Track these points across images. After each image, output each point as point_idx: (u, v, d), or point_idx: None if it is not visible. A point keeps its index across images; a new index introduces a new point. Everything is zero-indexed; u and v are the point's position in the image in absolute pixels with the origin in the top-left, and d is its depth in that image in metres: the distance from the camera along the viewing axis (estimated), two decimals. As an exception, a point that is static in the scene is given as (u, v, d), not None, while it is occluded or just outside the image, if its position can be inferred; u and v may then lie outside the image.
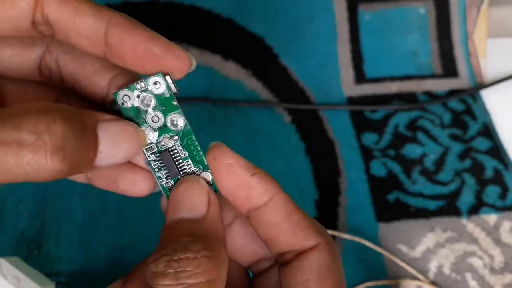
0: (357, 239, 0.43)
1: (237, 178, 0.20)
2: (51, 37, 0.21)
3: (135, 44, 0.19)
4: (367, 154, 0.49)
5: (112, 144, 0.19)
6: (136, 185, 0.22)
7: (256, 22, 0.54)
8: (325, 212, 0.45)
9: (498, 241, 0.44)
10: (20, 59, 0.21)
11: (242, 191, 0.20)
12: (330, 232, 0.43)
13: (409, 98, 0.53)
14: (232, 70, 0.53)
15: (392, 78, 0.54)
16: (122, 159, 0.19)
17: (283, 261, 0.21)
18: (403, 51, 0.55)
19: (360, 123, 0.51)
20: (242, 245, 0.22)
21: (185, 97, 0.50)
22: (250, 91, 0.53)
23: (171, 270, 0.17)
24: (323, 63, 0.54)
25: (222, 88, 0.52)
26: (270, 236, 0.20)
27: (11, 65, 0.21)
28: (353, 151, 0.49)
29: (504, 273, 0.42)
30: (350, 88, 0.54)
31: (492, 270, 0.42)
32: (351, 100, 0.53)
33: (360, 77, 0.54)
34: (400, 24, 0.55)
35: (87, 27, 0.19)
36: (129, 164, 0.22)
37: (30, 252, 0.41)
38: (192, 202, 0.20)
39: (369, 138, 0.50)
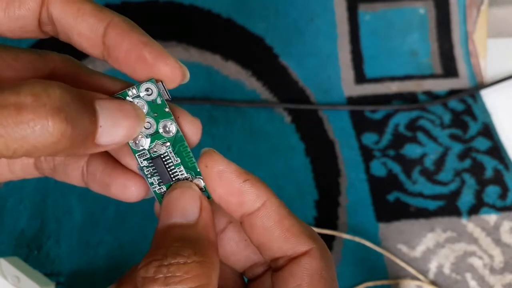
0: (357, 239, 0.43)
1: (229, 184, 0.20)
2: (54, 62, 0.21)
3: (129, 47, 0.19)
4: (367, 154, 0.49)
5: (112, 119, 0.19)
6: (127, 190, 0.22)
7: (256, 22, 0.54)
8: (325, 212, 0.45)
9: (498, 241, 0.44)
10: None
11: (234, 198, 0.20)
12: (330, 232, 0.43)
13: (409, 98, 0.53)
14: (232, 70, 0.53)
15: (392, 78, 0.54)
16: (123, 137, 0.19)
17: (275, 267, 0.21)
18: (403, 51, 0.55)
19: (360, 123, 0.51)
20: (236, 250, 0.22)
21: (185, 97, 0.50)
22: (250, 91, 0.53)
23: (161, 275, 0.17)
24: (323, 63, 0.54)
25: (222, 88, 0.52)
26: (262, 242, 0.20)
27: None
28: (353, 151, 0.49)
29: (504, 273, 0.42)
30: (350, 88, 0.54)
31: (492, 270, 0.42)
32: (351, 100, 0.53)
33: (360, 77, 0.54)
34: (400, 24, 0.55)
35: (88, 27, 0.19)
36: (122, 168, 0.22)
37: (30, 252, 0.41)
38: (185, 207, 0.20)
39: (369, 138, 0.50)
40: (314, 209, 0.45)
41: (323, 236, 0.43)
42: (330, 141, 0.50)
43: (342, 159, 0.49)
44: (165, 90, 0.20)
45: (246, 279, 0.23)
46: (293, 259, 0.20)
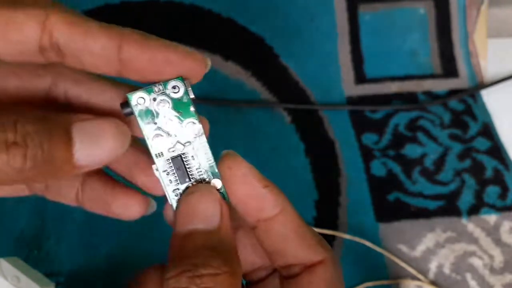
0: (357, 239, 0.43)
1: (250, 188, 0.20)
2: (57, 69, 0.21)
3: (151, 55, 0.19)
4: (367, 154, 0.49)
5: (90, 141, 0.18)
6: (129, 209, 0.22)
7: (256, 22, 0.54)
8: (325, 212, 0.45)
9: (498, 241, 0.44)
10: (26, 90, 0.21)
11: (254, 202, 0.20)
12: (330, 232, 0.43)
13: (409, 98, 0.53)
14: (232, 70, 0.53)
15: (392, 78, 0.54)
16: (106, 157, 0.19)
17: (288, 274, 0.21)
18: (403, 51, 0.55)
19: (360, 123, 0.51)
20: (242, 254, 0.22)
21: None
22: (250, 91, 0.53)
23: (194, 287, 0.17)
24: (323, 63, 0.54)
25: (222, 88, 0.52)
26: (277, 248, 0.21)
27: (17, 96, 0.21)
28: (353, 151, 0.49)
29: (504, 273, 0.42)
30: (350, 88, 0.54)
31: (492, 270, 0.42)
32: (351, 100, 0.53)
33: (360, 77, 0.54)
34: (400, 24, 0.55)
35: (100, 47, 0.19)
36: (121, 187, 0.22)
37: (30, 252, 0.41)
38: (206, 212, 0.20)
39: (369, 138, 0.50)
40: (314, 209, 0.45)
41: (323, 236, 0.43)
42: (330, 141, 0.50)
43: (342, 159, 0.49)
44: (191, 88, 0.20)
45: (244, 282, 0.24)
46: (308, 268, 0.21)
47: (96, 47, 0.19)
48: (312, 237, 0.21)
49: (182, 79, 0.20)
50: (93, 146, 0.18)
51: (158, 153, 0.21)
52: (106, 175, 0.23)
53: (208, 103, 0.51)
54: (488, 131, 0.51)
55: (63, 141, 0.18)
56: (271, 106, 0.52)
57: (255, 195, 0.20)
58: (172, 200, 0.21)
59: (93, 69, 0.20)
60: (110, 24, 0.19)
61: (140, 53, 0.19)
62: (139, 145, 0.22)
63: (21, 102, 0.21)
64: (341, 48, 0.54)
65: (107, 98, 0.21)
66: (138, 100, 0.20)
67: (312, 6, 0.54)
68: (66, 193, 0.23)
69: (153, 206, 0.23)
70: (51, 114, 0.18)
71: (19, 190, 0.24)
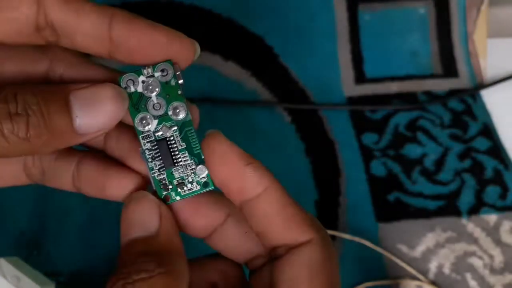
0: (357, 239, 0.43)
1: (231, 167, 0.20)
2: (53, 54, 0.21)
3: (140, 35, 0.19)
4: (367, 154, 0.49)
5: (88, 107, 0.19)
6: (122, 189, 0.22)
7: (256, 22, 0.54)
8: (325, 212, 0.45)
9: (498, 241, 0.44)
10: (23, 75, 0.21)
11: (235, 181, 0.20)
12: (330, 232, 0.43)
13: (409, 98, 0.53)
14: (232, 70, 0.53)
15: (392, 78, 0.54)
16: (108, 121, 0.19)
17: (275, 256, 0.20)
18: (403, 51, 0.55)
19: (360, 123, 0.51)
20: (236, 243, 0.22)
21: (185, 97, 0.50)
22: (250, 91, 0.53)
23: None
24: (323, 63, 0.54)
25: (222, 88, 0.52)
26: (262, 229, 0.20)
27: (14, 80, 0.21)
28: (353, 151, 0.49)
29: (504, 273, 0.42)
30: (350, 88, 0.54)
31: (492, 270, 0.42)
32: (351, 100, 0.53)
33: (360, 77, 0.54)
34: (400, 24, 0.55)
35: (91, 25, 0.19)
36: (115, 168, 0.22)
37: (30, 252, 0.41)
38: (143, 219, 0.20)
39: (369, 138, 0.50)
40: (314, 209, 0.45)
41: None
42: (330, 141, 0.50)
43: (342, 159, 0.49)
44: (180, 73, 0.20)
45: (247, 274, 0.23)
46: (292, 249, 0.19)
47: (86, 25, 0.19)
48: (298, 216, 0.20)
49: (171, 62, 0.20)
50: (92, 111, 0.19)
51: (145, 136, 0.21)
52: (100, 156, 0.22)
53: (208, 103, 0.51)
54: (488, 131, 0.51)
55: (62, 108, 0.18)
56: (271, 106, 0.52)
57: (236, 174, 0.19)
58: (157, 185, 0.21)
59: (85, 49, 0.20)
60: (102, 4, 0.20)
61: (128, 33, 0.19)
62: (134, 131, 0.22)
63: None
64: (341, 48, 0.54)
65: (100, 80, 0.21)
66: (128, 82, 0.20)
67: (312, 6, 0.54)
68: (62, 178, 0.23)
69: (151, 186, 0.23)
70: (49, 86, 0.19)
71: (18, 180, 0.24)
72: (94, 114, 0.19)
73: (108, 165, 0.22)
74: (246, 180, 0.19)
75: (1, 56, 0.21)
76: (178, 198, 0.21)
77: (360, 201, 0.46)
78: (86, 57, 0.22)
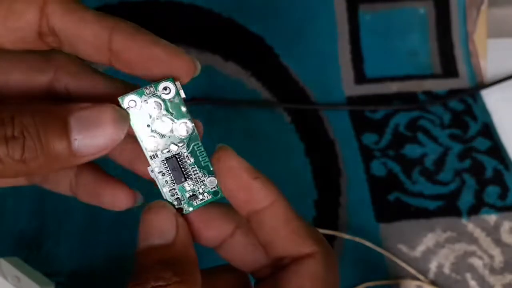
0: (357, 239, 0.43)
1: (239, 180, 0.20)
2: (58, 63, 0.21)
3: (139, 49, 0.19)
4: (367, 154, 0.49)
5: (88, 130, 0.18)
6: (117, 200, 0.23)
7: (256, 22, 0.54)
8: (325, 212, 0.45)
9: (498, 241, 0.44)
10: (28, 84, 0.21)
11: (243, 194, 0.20)
12: (330, 232, 0.43)
13: (409, 98, 0.53)
14: (232, 70, 0.53)
15: (392, 78, 0.54)
16: (108, 143, 0.19)
17: (280, 266, 0.21)
18: (403, 51, 0.55)
19: (360, 123, 0.51)
20: (243, 254, 0.23)
21: (185, 97, 0.50)
22: (250, 91, 0.53)
23: None
24: (323, 63, 0.54)
25: (222, 88, 0.52)
26: (268, 241, 0.21)
27: (19, 89, 0.21)
28: (353, 151, 0.49)
29: (504, 273, 0.42)
30: (350, 88, 0.54)
31: (492, 270, 0.42)
32: (351, 100, 0.53)
33: (360, 77, 0.54)
34: (400, 24, 0.55)
35: (92, 34, 0.19)
36: (111, 180, 0.23)
37: (30, 252, 0.41)
38: (161, 228, 0.20)
39: (369, 138, 0.50)
40: (314, 209, 0.45)
41: (323, 236, 0.43)
42: (330, 141, 0.50)
43: (342, 159, 0.49)
44: (181, 89, 0.20)
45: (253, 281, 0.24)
46: (296, 260, 0.20)
47: (88, 35, 0.19)
48: (303, 229, 0.21)
49: (173, 80, 0.20)
50: (92, 134, 0.18)
51: (153, 155, 0.21)
52: (98, 168, 0.23)
53: (208, 103, 0.51)
54: (488, 131, 0.51)
55: (60, 131, 0.18)
56: (271, 106, 0.52)
57: (244, 186, 0.20)
58: (170, 200, 0.21)
59: (86, 57, 0.20)
60: (105, 14, 0.20)
61: (128, 46, 0.19)
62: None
63: (23, 96, 0.21)
64: (341, 48, 0.54)
65: (106, 90, 0.22)
66: (130, 103, 0.20)
67: (312, 6, 0.54)
68: (61, 184, 0.24)
69: (141, 199, 0.24)
70: (50, 105, 0.19)
71: (19, 180, 0.24)
72: (94, 137, 0.19)
73: (105, 177, 0.23)
74: (253, 193, 0.20)
75: (7, 66, 0.21)
76: (191, 209, 0.22)
77: (360, 201, 0.46)
78: (90, 66, 0.22)
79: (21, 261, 0.35)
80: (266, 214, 0.20)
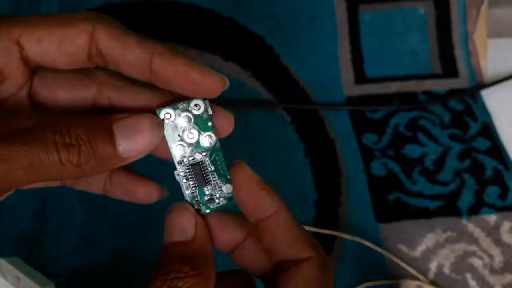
0: (357, 239, 0.43)
1: (250, 190, 0.23)
2: (101, 79, 0.24)
3: (176, 70, 0.22)
4: (367, 154, 0.49)
5: (130, 135, 0.22)
6: (150, 195, 0.27)
7: (256, 22, 0.54)
8: (325, 212, 0.45)
9: (498, 241, 0.44)
10: (74, 99, 0.25)
11: (252, 202, 0.23)
12: (330, 232, 0.43)
13: (409, 98, 0.53)
14: (232, 70, 0.53)
15: (392, 78, 0.54)
16: (147, 146, 0.22)
17: (280, 269, 0.24)
18: (403, 51, 0.55)
19: (360, 123, 0.51)
20: (254, 259, 0.25)
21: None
22: (250, 91, 0.53)
23: (165, 286, 0.21)
24: (323, 63, 0.54)
25: (222, 88, 0.52)
26: (271, 245, 0.24)
27: (67, 106, 0.25)
28: (353, 151, 0.49)
29: (504, 273, 0.42)
30: (350, 88, 0.54)
31: (492, 270, 0.42)
32: (351, 100, 0.53)
33: (360, 77, 0.54)
34: (400, 24, 0.55)
35: (134, 58, 0.22)
36: (142, 178, 0.27)
37: (30, 252, 0.41)
38: (182, 226, 0.24)
39: (369, 138, 0.50)
40: (314, 209, 0.45)
41: (323, 236, 0.43)
42: (330, 141, 0.50)
43: (342, 159, 0.49)
44: (210, 106, 0.24)
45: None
46: (294, 263, 0.23)
47: (131, 57, 0.23)
48: (302, 237, 0.24)
49: (203, 98, 0.24)
50: (133, 138, 0.22)
51: (180, 161, 0.24)
52: (128, 169, 0.27)
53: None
54: (488, 131, 0.51)
55: (107, 138, 0.21)
56: (271, 106, 0.52)
57: (253, 196, 0.23)
58: (190, 201, 0.24)
59: (129, 75, 0.24)
60: (146, 38, 0.23)
61: (167, 67, 0.22)
62: None
63: (72, 110, 0.25)
64: (341, 48, 0.54)
65: (145, 101, 0.25)
66: (165, 115, 0.24)
67: (312, 6, 0.54)
68: (95, 184, 0.27)
69: (167, 192, 0.27)
70: (96, 117, 0.22)
71: (50, 182, 0.27)
72: (135, 141, 0.22)
73: (136, 176, 0.27)
74: (260, 202, 0.23)
75: (54, 85, 0.24)
76: (208, 211, 0.25)
77: (360, 201, 0.46)
78: (130, 79, 0.25)
79: (21, 261, 0.35)
80: (270, 222, 0.23)
